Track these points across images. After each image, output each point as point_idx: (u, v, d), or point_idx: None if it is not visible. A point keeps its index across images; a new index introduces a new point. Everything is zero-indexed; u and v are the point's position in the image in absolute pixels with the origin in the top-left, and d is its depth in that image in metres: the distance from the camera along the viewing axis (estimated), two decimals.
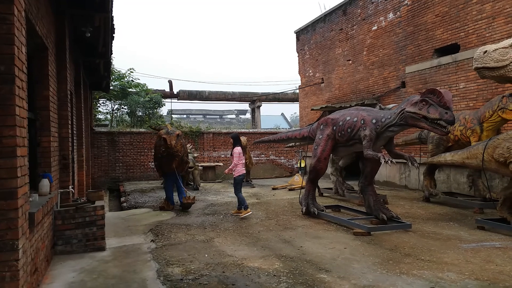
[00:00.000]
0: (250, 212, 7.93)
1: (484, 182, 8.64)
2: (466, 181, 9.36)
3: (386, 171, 12.74)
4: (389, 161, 6.34)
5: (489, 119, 7.87)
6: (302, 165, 14.93)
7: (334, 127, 7.73)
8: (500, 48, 6.32)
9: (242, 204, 8.04)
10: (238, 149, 8.29)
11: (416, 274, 4.48)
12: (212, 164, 16.00)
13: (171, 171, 8.86)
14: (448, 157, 7.76)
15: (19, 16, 3.20)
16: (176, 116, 39.89)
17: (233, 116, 55.36)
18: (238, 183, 8.21)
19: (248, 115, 43.39)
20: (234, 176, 8.24)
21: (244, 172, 8.31)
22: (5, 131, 2.97)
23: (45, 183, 4.73)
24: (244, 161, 8.34)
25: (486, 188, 8.52)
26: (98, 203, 5.74)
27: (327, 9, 16.37)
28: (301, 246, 5.73)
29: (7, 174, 2.97)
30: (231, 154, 8.36)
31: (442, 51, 10.91)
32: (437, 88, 6.27)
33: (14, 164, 3.00)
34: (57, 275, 4.54)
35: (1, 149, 2.95)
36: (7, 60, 2.99)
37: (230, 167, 8.27)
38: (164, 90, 23.49)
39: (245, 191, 12.15)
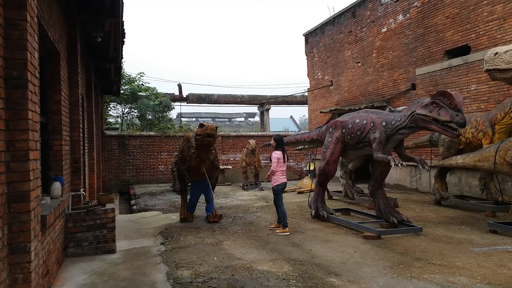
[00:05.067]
0: (288, 233, 6.70)
1: (496, 185, 8.52)
2: (478, 184, 9.24)
3: (397, 174, 12.63)
4: (399, 164, 6.28)
5: (501, 121, 7.76)
6: (311, 168, 14.90)
7: (344, 130, 7.69)
8: (511, 50, 6.25)
9: (282, 220, 6.88)
10: (276, 154, 7.00)
11: (427, 278, 4.43)
12: (221, 167, 16.03)
13: (200, 179, 7.79)
14: (459, 159, 7.68)
15: (32, 22, 3.26)
16: (185, 119, 40.13)
17: (242, 119, 55.50)
18: (277, 194, 7.02)
19: (257, 118, 43.39)
20: (272, 185, 7.08)
21: (285, 181, 7.02)
22: (18, 135, 3.02)
23: (57, 186, 4.79)
24: (285, 168, 7.11)
25: (499, 191, 8.40)
26: (108, 206, 5.80)
27: (336, 11, 16.36)
28: (310, 250, 5.71)
29: (20, 177, 3.02)
30: (271, 159, 7.15)
31: (453, 53, 10.81)
32: (448, 90, 6.22)
33: (27, 168, 3.05)
34: (68, 277, 4.59)
35: (14, 153, 3.00)
36: (20, 66, 3.04)
37: (268, 173, 7.14)
38: (173, 93, 23.67)
39: (254, 194, 12.17)
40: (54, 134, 5.19)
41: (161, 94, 21.54)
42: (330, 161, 7.73)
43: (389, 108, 8.41)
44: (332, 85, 16.59)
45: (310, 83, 18.59)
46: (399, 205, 9.18)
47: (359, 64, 14.76)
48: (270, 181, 7.21)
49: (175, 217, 8.44)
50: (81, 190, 6.26)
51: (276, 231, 6.87)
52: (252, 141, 13.36)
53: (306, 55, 18.78)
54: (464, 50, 10.42)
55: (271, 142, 7.30)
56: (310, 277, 4.55)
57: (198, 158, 7.49)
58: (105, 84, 12.95)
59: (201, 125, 7.27)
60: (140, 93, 20.38)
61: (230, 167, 16.56)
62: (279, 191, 7.02)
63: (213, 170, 8.07)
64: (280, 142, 7.19)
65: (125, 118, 21.54)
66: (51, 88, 5.17)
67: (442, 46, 11.03)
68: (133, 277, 4.57)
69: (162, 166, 16.75)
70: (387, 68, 13.25)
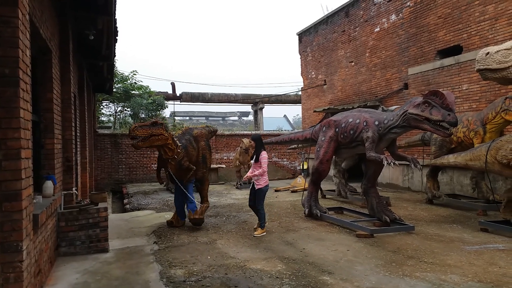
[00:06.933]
0: (264, 233, 6.60)
1: (487, 184, 8.60)
2: (470, 183, 9.33)
3: (389, 173, 12.71)
4: (391, 163, 6.33)
5: (492, 121, 7.85)
6: (305, 167, 14.93)
7: (337, 129, 7.73)
8: (502, 50, 6.29)
9: (261, 221, 6.69)
10: (265, 154, 6.75)
11: (419, 276, 4.47)
12: (215, 166, 16.00)
13: (177, 179, 7.19)
14: (451, 159, 7.74)
15: (24, 19, 3.23)
16: (179, 118, 40.02)
17: (236, 118, 55.49)
18: (265, 195, 6.82)
19: (251, 117, 43.43)
20: (260, 186, 6.64)
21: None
22: (9, 134, 3.00)
23: (49, 185, 4.76)
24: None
25: (490, 190, 8.49)
26: (101, 205, 5.76)
27: (330, 11, 16.40)
28: (303, 248, 5.73)
29: (12, 176, 2.99)
30: (257, 160, 6.68)
31: (445, 53, 10.89)
32: (440, 89, 6.27)
33: (19, 166, 3.03)
34: (61, 276, 4.56)
35: (5, 151, 2.98)
36: (12, 63, 3.02)
37: (256, 173, 6.61)
38: (166, 92, 23.56)
39: (248, 193, 12.14)
40: (46, 133, 5.15)
41: (154, 93, 21.44)
42: (323, 160, 7.76)
43: (382, 108, 8.45)
44: (326, 84, 16.64)
45: (303, 82, 18.62)
46: (392, 203, 9.24)
47: (352, 63, 14.82)
48: (252, 181, 6.74)
49: (168, 216, 8.41)
50: (74, 189, 6.22)
51: (255, 232, 6.58)
52: (245, 140, 13.35)
53: (300, 54, 18.81)
54: (456, 50, 10.51)
55: (251, 143, 6.96)
56: (303, 275, 4.57)
57: (161, 158, 7.05)
58: (97, 82, 12.86)
59: (154, 124, 6.37)
60: (133, 92, 20.27)
61: (224, 166, 16.54)
62: (266, 192, 6.78)
63: (182, 172, 7.04)
64: (261, 141, 6.92)
65: (118, 116, 21.43)
66: (43, 86, 5.13)
67: (435, 46, 11.12)
68: (126, 276, 4.56)
69: (155, 165, 16.66)
70: (380, 67, 13.32)
